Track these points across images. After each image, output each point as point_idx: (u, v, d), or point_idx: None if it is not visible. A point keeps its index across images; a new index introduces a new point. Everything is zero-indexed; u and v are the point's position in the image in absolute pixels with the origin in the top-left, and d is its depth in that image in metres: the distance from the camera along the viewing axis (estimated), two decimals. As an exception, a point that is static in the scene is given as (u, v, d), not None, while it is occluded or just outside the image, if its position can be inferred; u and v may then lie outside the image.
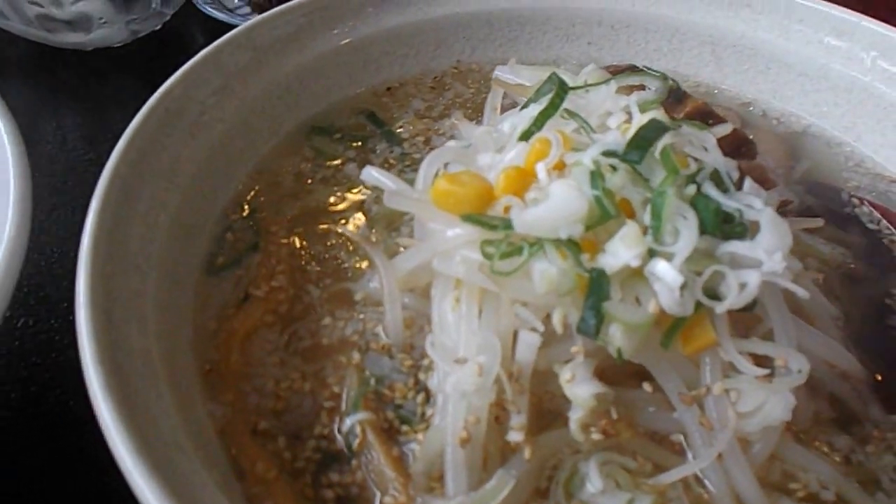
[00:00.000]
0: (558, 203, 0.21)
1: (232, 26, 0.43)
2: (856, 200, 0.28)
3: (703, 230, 0.20)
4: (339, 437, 0.22)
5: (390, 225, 0.27)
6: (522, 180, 0.23)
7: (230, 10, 0.55)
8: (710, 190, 0.21)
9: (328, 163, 0.29)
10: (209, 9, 0.54)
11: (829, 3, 0.31)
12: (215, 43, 0.32)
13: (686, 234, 0.19)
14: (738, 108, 0.32)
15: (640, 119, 0.22)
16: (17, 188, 0.29)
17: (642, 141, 0.22)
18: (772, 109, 0.31)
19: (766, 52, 0.31)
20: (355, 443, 0.21)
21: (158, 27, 0.54)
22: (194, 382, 0.26)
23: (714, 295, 0.20)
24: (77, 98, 0.50)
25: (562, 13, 0.32)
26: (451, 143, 0.27)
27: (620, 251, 0.20)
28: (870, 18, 0.30)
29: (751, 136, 0.29)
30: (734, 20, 0.32)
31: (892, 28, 0.30)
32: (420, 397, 0.22)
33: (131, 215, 0.26)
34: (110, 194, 0.26)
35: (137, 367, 0.23)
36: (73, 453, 0.31)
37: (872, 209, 0.28)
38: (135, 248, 0.26)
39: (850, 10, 0.31)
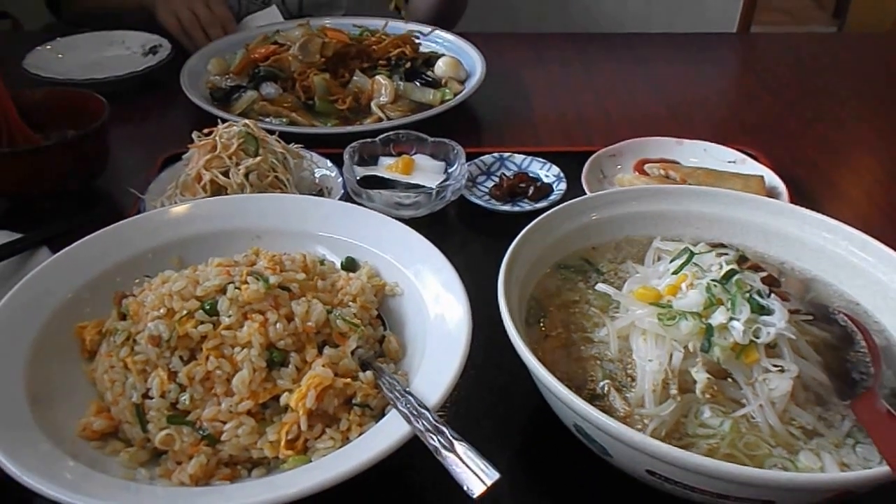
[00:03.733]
0: (692, 298, 0.50)
1: (487, 210, 0.75)
2: (837, 311, 0.56)
3: (752, 311, 0.49)
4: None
5: (608, 305, 0.57)
6: (673, 289, 0.52)
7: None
8: (755, 296, 0.50)
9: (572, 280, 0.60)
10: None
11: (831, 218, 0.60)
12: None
13: (744, 311, 0.48)
14: (777, 265, 0.61)
15: (726, 268, 0.52)
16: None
17: (728, 275, 0.51)
18: (796, 267, 0.60)
19: (793, 239, 0.61)
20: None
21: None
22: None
23: (757, 336, 0.48)
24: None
25: (695, 217, 0.63)
26: (636, 275, 0.57)
27: (718, 317, 0.48)
28: (846, 226, 0.59)
29: (781, 279, 0.58)
30: (781, 223, 0.62)
31: (860, 232, 0.59)
32: (628, 379, 0.51)
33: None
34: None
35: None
36: None
37: (845, 316, 0.55)
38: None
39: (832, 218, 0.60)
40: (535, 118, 0.97)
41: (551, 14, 1.70)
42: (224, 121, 0.73)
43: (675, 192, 0.64)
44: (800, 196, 0.76)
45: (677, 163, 0.83)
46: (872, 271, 0.56)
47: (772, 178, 0.77)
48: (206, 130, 0.72)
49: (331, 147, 0.81)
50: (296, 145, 0.76)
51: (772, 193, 0.75)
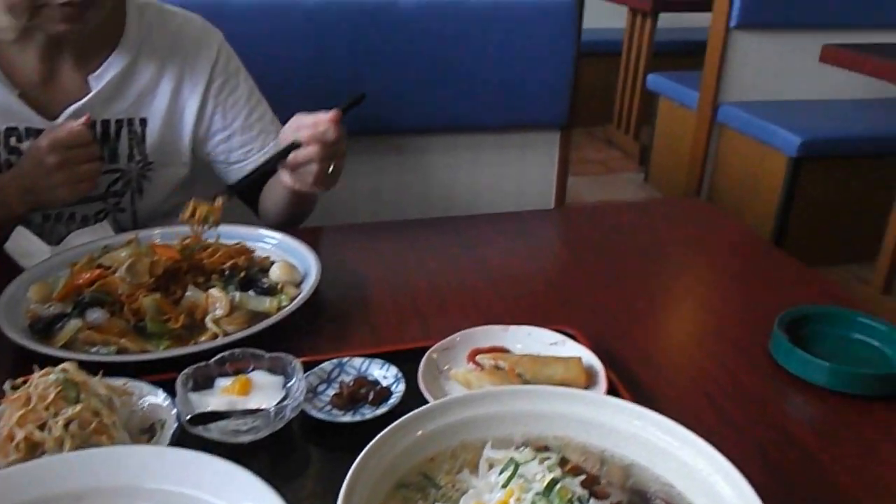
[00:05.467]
0: (519, 511, 0.52)
1: (328, 423, 0.75)
2: (655, 496, 0.60)
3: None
4: None
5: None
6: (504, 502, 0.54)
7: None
8: (575, 500, 0.53)
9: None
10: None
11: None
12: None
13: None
14: (599, 454, 0.65)
15: (549, 477, 0.55)
16: None
17: (550, 485, 0.54)
18: (616, 454, 0.65)
19: (609, 427, 0.65)
20: None
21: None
22: None
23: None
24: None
25: (523, 415, 0.67)
26: (471, 490, 0.59)
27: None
28: (651, 412, 0.65)
29: (603, 468, 0.62)
30: (597, 413, 0.67)
31: (664, 417, 0.65)
32: None
33: None
34: None
35: None
36: None
37: (662, 501, 0.60)
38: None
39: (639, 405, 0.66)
40: (372, 314, 1.00)
41: (387, 202, 1.80)
42: (41, 366, 0.70)
43: (503, 394, 0.68)
44: (617, 372, 0.83)
45: (507, 350, 0.88)
46: (680, 454, 0.61)
47: (589, 358, 0.84)
48: (20, 380, 0.68)
49: (166, 371, 0.79)
50: (123, 380, 0.74)
51: (590, 373, 0.81)
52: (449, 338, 0.88)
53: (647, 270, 1.16)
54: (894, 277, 2.51)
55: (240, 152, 1.27)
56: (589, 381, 0.80)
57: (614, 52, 4.17)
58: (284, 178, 1.13)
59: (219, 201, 1.03)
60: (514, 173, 1.89)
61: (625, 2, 3.90)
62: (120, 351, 0.86)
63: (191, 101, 1.22)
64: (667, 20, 3.97)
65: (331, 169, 1.11)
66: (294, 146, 1.08)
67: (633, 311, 1.03)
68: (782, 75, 3.01)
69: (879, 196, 2.61)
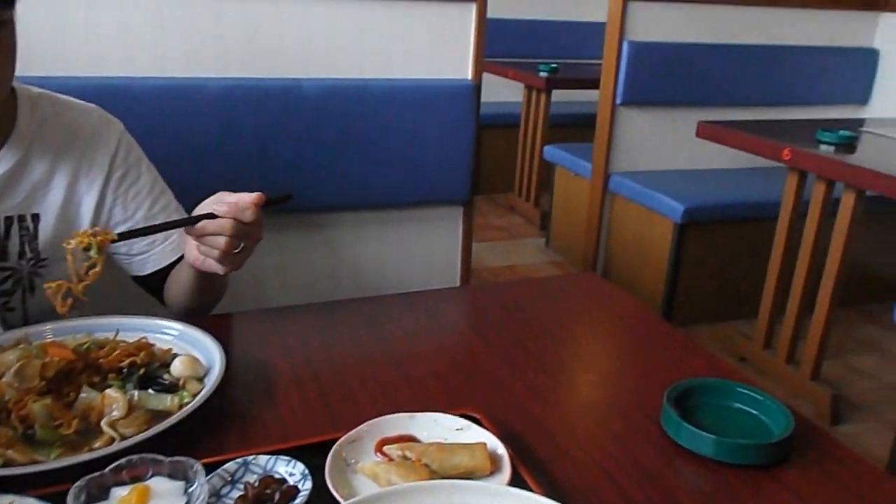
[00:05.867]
0: None
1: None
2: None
3: None
4: None
5: None
6: None
7: None
8: None
9: None
10: None
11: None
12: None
13: None
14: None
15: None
16: None
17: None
18: None
19: None
20: None
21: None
22: None
23: None
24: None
25: None
26: None
27: None
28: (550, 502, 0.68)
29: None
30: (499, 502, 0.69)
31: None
32: None
33: None
34: None
35: None
36: None
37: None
38: None
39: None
40: (279, 406, 1.00)
41: (295, 281, 1.81)
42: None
43: (405, 491, 0.69)
44: (521, 454, 0.86)
45: (414, 438, 0.90)
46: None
47: (493, 443, 0.86)
48: None
49: (58, 483, 0.76)
50: (9, 497, 0.70)
51: (494, 458, 0.84)
52: (355, 430, 0.89)
53: (547, 348, 1.21)
54: (773, 333, 2.69)
55: (143, 244, 1.25)
56: (494, 466, 0.83)
57: (514, 125, 4.36)
58: (189, 250, 1.11)
59: (111, 235, 0.99)
60: (420, 249, 1.93)
61: (521, 80, 4.10)
62: (6, 463, 0.82)
63: (88, 195, 1.19)
64: (560, 95, 4.20)
65: (239, 248, 1.09)
66: (208, 216, 1.06)
67: (535, 389, 1.07)
68: (666, 147, 3.24)
69: (757, 257, 2.82)
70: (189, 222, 1.07)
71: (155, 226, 1.08)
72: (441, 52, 1.89)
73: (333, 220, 1.87)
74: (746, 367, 2.72)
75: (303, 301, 1.38)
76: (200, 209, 1.09)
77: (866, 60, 3.53)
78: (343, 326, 1.26)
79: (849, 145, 2.38)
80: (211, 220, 1.05)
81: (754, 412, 0.98)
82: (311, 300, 1.40)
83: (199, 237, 1.08)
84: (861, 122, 3.00)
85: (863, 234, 2.58)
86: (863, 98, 3.59)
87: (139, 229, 1.11)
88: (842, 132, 2.39)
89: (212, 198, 1.09)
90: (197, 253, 1.10)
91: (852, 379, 2.72)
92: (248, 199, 1.06)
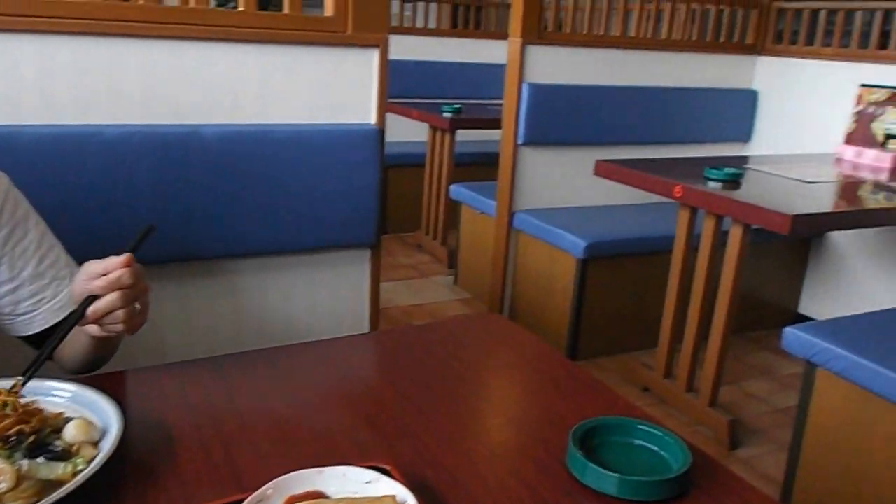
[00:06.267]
0: None
1: None
2: None
3: None
4: None
5: None
6: None
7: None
8: None
9: None
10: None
11: None
12: None
13: None
14: None
15: None
16: None
17: None
18: None
19: None
20: None
21: None
22: None
23: None
24: None
25: None
26: None
27: None
28: None
29: None
30: None
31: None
32: None
33: None
34: None
35: None
36: None
37: None
38: None
39: None
40: (182, 468, 0.96)
41: (199, 332, 1.75)
42: None
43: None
44: (430, 505, 0.86)
45: (323, 494, 0.89)
46: None
47: (403, 495, 0.86)
48: None
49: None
50: None
51: (406, 511, 0.84)
52: (261, 489, 0.87)
53: (456, 393, 1.22)
54: (673, 362, 2.81)
55: (29, 303, 1.19)
56: (404, 519, 0.82)
57: (420, 164, 4.41)
58: (90, 329, 1.07)
59: (16, 386, 0.96)
60: (327, 294, 1.92)
61: (426, 120, 4.17)
62: None
63: None
64: (464, 135, 4.29)
65: (136, 307, 1.07)
66: (91, 300, 1.04)
67: (445, 436, 1.07)
68: (567, 185, 3.36)
69: (656, 289, 2.94)
70: (76, 318, 1.03)
71: (49, 343, 1.04)
72: (344, 97, 1.90)
73: (237, 266, 1.84)
74: (650, 397, 2.82)
75: (206, 353, 1.34)
76: (74, 290, 1.06)
77: (747, 101, 3.80)
78: (248, 379, 1.23)
79: (734, 182, 2.54)
80: (97, 302, 1.02)
81: (655, 448, 1.02)
82: (215, 352, 1.36)
83: (95, 321, 1.04)
84: (745, 159, 3.20)
85: (752, 264, 2.75)
86: (746, 136, 3.84)
87: (37, 359, 1.04)
88: (727, 169, 2.55)
89: (79, 275, 1.06)
90: (97, 330, 1.07)
91: (748, 404, 2.86)
92: (116, 263, 1.03)
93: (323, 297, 1.91)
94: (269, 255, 1.87)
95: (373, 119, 1.95)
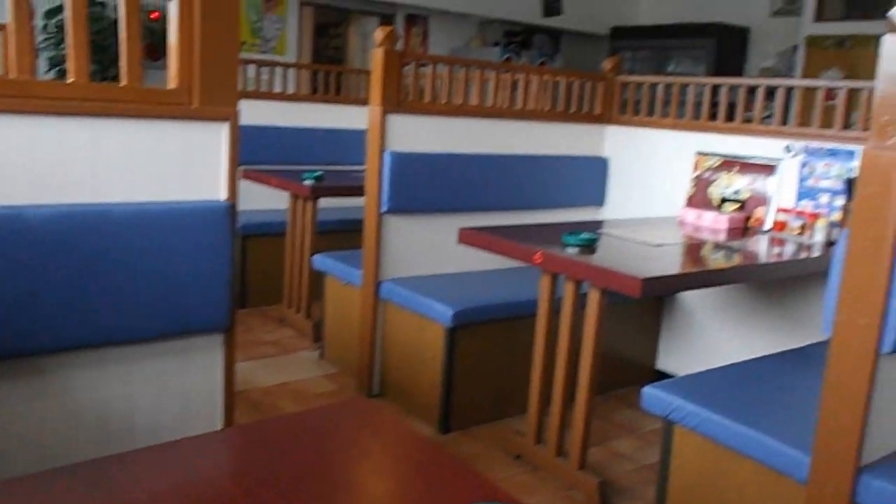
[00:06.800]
0: None
1: None
2: None
3: None
4: None
5: None
6: None
7: None
8: None
9: None
10: None
11: None
12: None
13: None
14: None
15: None
16: None
17: None
18: None
19: None
20: None
21: None
22: None
23: None
24: None
25: None
26: None
27: None
28: None
29: None
30: None
31: None
32: None
33: None
34: None
35: None
36: None
37: None
38: None
39: None
40: None
41: (23, 442, 1.54)
42: None
43: None
44: None
45: None
46: None
47: None
48: None
49: None
50: None
51: None
52: None
53: (319, 493, 1.12)
54: (543, 427, 2.82)
55: None
56: None
57: (281, 233, 4.28)
58: None
59: None
60: (175, 387, 1.76)
61: (286, 188, 4.06)
62: None
63: None
64: (327, 202, 4.22)
65: None
66: None
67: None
68: (434, 252, 3.35)
69: (523, 354, 2.96)
70: None
71: None
72: (191, 172, 1.79)
73: (70, 361, 1.64)
74: (522, 464, 2.80)
75: (32, 467, 1.16)
76: None
77: (599, 167, 3.99)
78: (79, 499, 1.07)
79: (589, 247, 2.62)
80: None
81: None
82: (42, 465, 1.19)
83: None
84: (600, 223, 3.34)
85: (611, 325, 2.83)
86: (600, 200, 4.02)
87: None
88: (583, 235, 2.63)
89: None
90: None
91: (615, 463, 2.90)
92: None
93: (171, 390, 1.74)
94: (108, 346, 1.69)
95: (223, 195, 1.84)
